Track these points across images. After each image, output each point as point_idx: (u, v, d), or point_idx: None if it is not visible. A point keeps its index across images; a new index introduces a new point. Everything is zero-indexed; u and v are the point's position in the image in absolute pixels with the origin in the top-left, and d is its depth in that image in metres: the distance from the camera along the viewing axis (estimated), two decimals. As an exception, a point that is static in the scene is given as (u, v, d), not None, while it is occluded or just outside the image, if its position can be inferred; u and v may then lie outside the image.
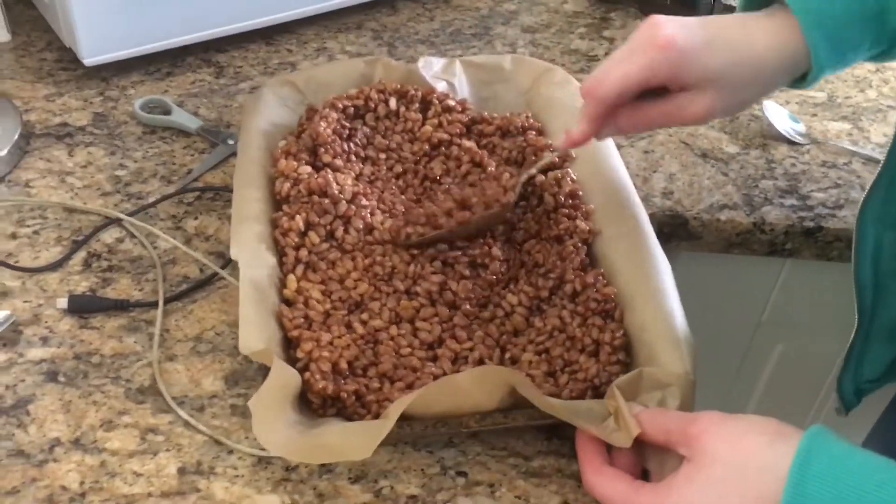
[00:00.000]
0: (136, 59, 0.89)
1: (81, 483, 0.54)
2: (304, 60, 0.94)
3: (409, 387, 0.56)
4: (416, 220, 0.65)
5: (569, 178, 0.69)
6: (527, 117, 0.75)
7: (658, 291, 0.59)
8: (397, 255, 0.64)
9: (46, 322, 0.63)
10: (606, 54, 0.97)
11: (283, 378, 0.53)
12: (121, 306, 0.65)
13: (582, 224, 0.65)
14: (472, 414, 0.54)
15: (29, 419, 0.57)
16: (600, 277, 0.62)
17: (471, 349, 0.59)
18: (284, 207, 0.65)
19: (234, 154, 0.80)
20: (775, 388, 0.96)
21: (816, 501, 0.43)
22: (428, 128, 0.73)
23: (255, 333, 0.55)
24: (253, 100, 0.75)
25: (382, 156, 0.73)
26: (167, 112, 0.84)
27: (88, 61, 0.86)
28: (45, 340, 0.62)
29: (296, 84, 0.77)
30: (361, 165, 0.71)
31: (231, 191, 0.74)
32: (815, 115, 0.90)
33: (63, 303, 0.64)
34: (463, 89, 0.79)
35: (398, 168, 0.72)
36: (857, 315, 0.68)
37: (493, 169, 0.70)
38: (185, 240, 0.71)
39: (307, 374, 0.55)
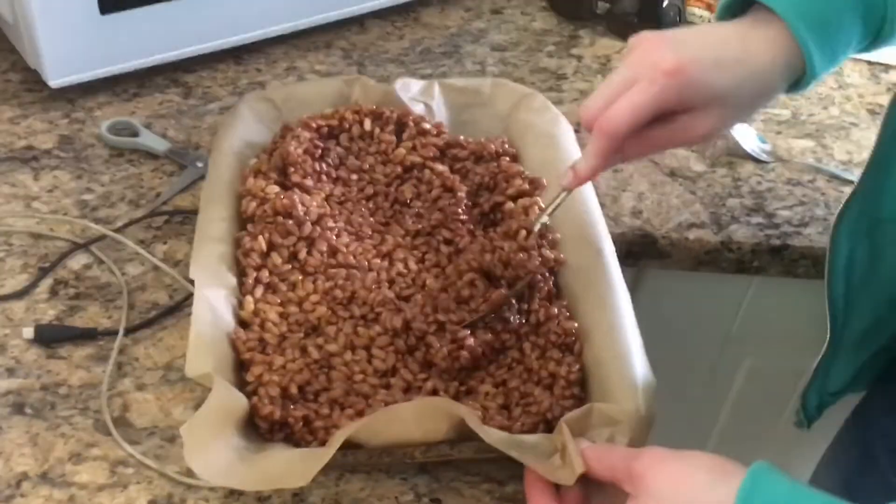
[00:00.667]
0: (103, 80, 0.88)
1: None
2: (273, 80, 0.94)
3: (360, 414, 0.56)
4: (448, 307, 0.62)
5: (536, 207, 0.69)
6: (502, 143, 0.75)
7: (616, 327, 0.59)
8: (360, 280, 0.63)
9: (12, 352, 0.63)
10: (576, 72, 0.98)
11: (225, 402, 0.53)
12: (88, 335, 0.64)
13: (548, 253, 0.65)
14: (418, 444, 0.54)
15: (-5, 453, 0.56)
16: (564, 310, 0.62)
17: (425, 379, 0.59)
18: (249, 227, 0.65)
19: (203, 177, 0.79)
20: (744, 402, 0.97)
21: None
22: (401, 150, 0.73)
23: (203, 356, 0.55)
24: (229, 116, 0.75)
25: (354, 177, 0.72)
26: (135, 134, 0.83)
27: (54, 83, 0.85)
28: (10, 371, 0.61)
29: (273, 101, 0.77)
30: (332, 186, 0.71)
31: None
32: (779, 132, 0.91)
33: (29, 332, 0.63)
34: (441, 112, 0.79)
35: (369, 190, 0.72)
36: (828, 327, 0.69)
37: (462, 194, 0.71)
38: (154, 265, 0.70)
39: (255, 399, 0.55)
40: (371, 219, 0.70)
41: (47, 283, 0.68)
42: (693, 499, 0.46)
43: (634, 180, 0.83)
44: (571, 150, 0.73)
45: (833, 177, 0.85)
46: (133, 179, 0.79)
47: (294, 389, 0.56)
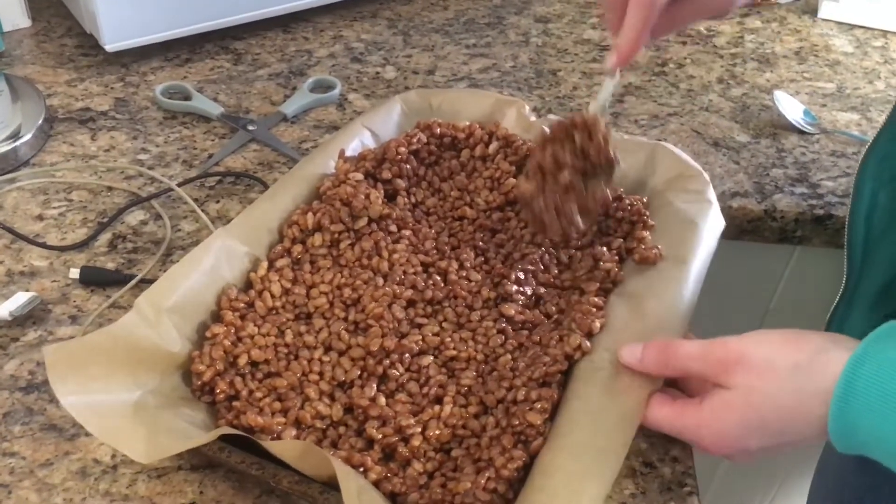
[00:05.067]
0: (156, 45, 0.90)
1: (113, 456, 0.55)
2: (320, 48, 0.95)
3: (285, 413, 0.54)
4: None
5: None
6: (638, 202, 0.66)
7: (594, 463, 0.49)
8: (374, 288, 0.61)
9: (74, 301, 0.65)
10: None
11: (121, 334, 0.53)
12: (125, 280, 0.66)
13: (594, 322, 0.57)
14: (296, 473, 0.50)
15: (60, 394, 0.59)
16: (545, 401, 0.53)
17: (368, 405, 0.54)
18: (314, 203, 0.66)
19: (253, 139, 0.81)
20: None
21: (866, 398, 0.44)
22: (512, 180, 0.69)
23: (166, 290, 0.56)
24: (379, 105, 0.75)
25: (455, 193, 0.70)
26: (187, 98, 0.85)
27: (109, 47, 0.87)
28: (73, 319, 0.64)
29: (430, 102, 0.76)
30: (429, 195, 0.70)
31: (251, 176, 0.76)
32: (824, 105, 0.91)
33: (75, 273, 0.65)
34: None
35: (465, 211, 0.69)
36: (844, 277, 0.68)
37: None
38: (206, 223, 0.72)
39: (195, 352, 0.56)
40: (448, 238, 0.67)
41: (106, 237, 0.70)
42: (802, 360, 0.46)
43: (680, 148, 0.83)
44: (709, 242, 0.63)
45: (878, 149, 0.85)
46: (186, 141, 0.81)
47: (244, 361, 0.56)
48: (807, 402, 0.46)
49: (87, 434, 0.56)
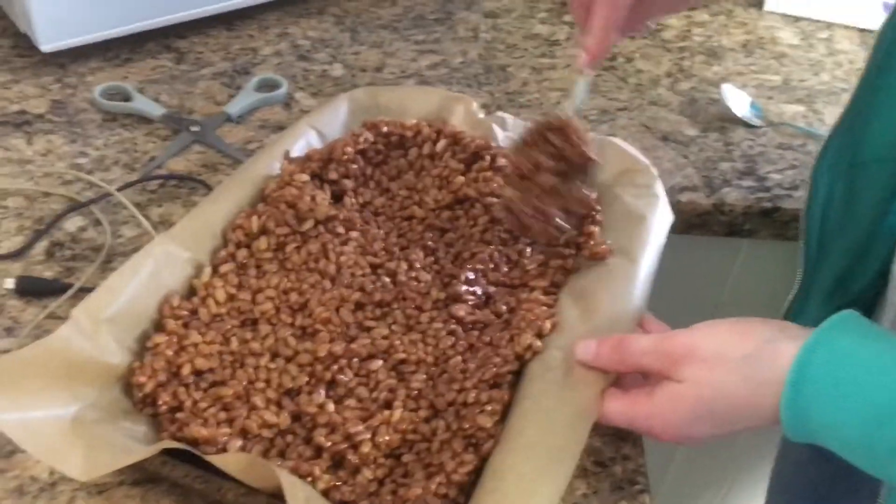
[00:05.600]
0: (95, 45, 0.88)
1: (51, 473, 0.53)
2: (265, 46, 0.93)
3: (230, 423, 0.52)
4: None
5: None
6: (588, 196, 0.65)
7: (546, 463, 0.49)
8: (321, 292, 0.60)
9: (10, 312, 0.63)
10: (568, 38, 0.98)
11: (55, 347, 0.51)
12: (63, 289, 0.64)
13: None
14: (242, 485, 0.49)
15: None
16: (496, 403, 0.53)
17: (317, 412, 0.53)
18: (259, 206, 0.64)
19: (197, 141, 0.79)
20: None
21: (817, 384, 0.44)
22: (460, 178, 0.68)
23: (105, 300, 0.55)
24: (325, 103, 0.74)
25: (404, 192, 0.69)
26: (128, 99, 0.83)
27: (45, 48, 0.84)
28: (9, 331, 0.62)
29: (378, 101, 0.74)
30: (376, 195, 0.69)
31: (195, 179, 0.74)
32: (770, 97, 0.92)
33: (10, 283, 0.63)
34: None
35: (414, 210, 0.68)
36: (800, 270, 0.69)
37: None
38: (147, 229, 0.70)
39: (136, 363, 0.54)
40: (396, 239, 0.66)
41: (43, 244, 0.68)
42: (751, 351, 0.46)
43: (629, 142, 0.83)
44: (658, 237, 0.64)
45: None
46: (127, 143, 0.79)
47: (188, 371, 0.55)
48: (757, 392, 0.47)
49: (24, 451, 0.54)
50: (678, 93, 0.91)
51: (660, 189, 0.66)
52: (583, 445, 0.50)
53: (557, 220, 0.61)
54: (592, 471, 0.55)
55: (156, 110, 0.82)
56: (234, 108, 0.83)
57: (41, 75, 0.86)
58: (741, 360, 0.47)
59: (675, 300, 0.89)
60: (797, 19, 1.06)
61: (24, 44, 0.89)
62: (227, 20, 0.96)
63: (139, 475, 0.53)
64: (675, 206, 0.78)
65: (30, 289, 0.64)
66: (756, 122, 0.87)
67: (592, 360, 0.53)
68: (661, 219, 0.64)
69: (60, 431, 0.49)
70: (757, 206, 0.78)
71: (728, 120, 0.87)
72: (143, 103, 0.82)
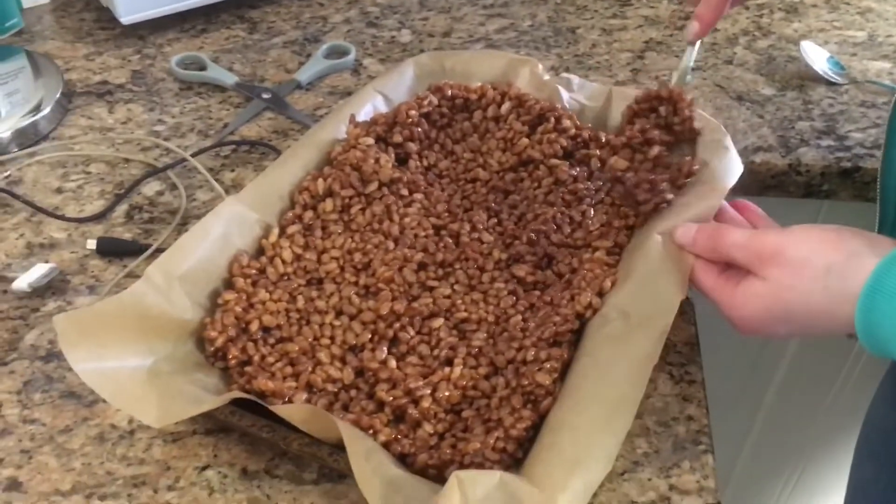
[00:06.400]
0: (172, 17, 0.90)
1: (130, 422, 0.56)
2: (335, 14, 0.94)
3: (296, 378, 0.54)
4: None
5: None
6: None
7: (602, 416, 0.49)
8: (384, 252, 0.61)
9: (92, 272, 0.66)
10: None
11: (128, 305, 0.53)
12: (141, 250, 0.66)
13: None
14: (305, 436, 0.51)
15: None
16: (555, 360, 0.53)
17: (378, 367, 0.55)
18: (325, 169, 0.65)
19: (268, 108, 0.81)
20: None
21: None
22: (524, 141, 0.68)
23: (177, 259, 0.56)
24: (391, 69, 0.74)
25: (468, 155, 0.69)
26: (203, 68, 0.86)
27: (125, 20, 0.87)
28: (91, 289, 0.65)
29: (443, 65, 0.74)
30: (441, 157, 0.69)
31: (265, 144, 0.76)
32: (854, 54, 0.88)
33: (92, 244, 0.66)
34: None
35: (477, 172, 0.68)
36: (876, 230, 0.66)
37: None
38: (221, 192, 0.72)
39: (208, 318, 0.56)
40: (460, 201, 0.66)
41: (123, 208, 0.71)
42: (836, 262, 0.47)
43: (700, 105, 0.81)
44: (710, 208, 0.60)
45: (911, 98, 0.81)
46: (202, 111, 0.81)
47: (256, 327, 0.56)
48: (834, 302, 0.47)
49: (105, 401, 0.57)
50: (755, 51, 0.88)
51: (729, 142, 0.65)
52: (641, 395, 0.49)
53: (664, 190, 0.60)
54: (654, 430, 0.54)
55: (229, 79, 0.84)
56: (304, 75, 0.84)
57: (122, 47, 0.89)
58: (824, 270, 0.47)
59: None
60: (886, -28, 1.00)
61: (105, 17, 0.92)
62: (298, -11, 0.97)
63: (211, 424, 0.55)
64: (749, 167, 0.76)
65: (110, 249, 0.67)
66: (837, 79, 0.84)
67: (690, 244, 0.55)
68: (728, 167, 0.63)
69: (137, 381, 0.52)
70: (836, 165, 0.75)
71: (807, 78, 0.84)
72: (217, 72, 0.85)
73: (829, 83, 0.84)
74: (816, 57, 0.85)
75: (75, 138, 0.78)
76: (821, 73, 0.84)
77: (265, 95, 0.82)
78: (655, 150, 0.63)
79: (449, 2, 0.96)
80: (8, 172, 0.74)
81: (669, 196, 0.60)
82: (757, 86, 0.84)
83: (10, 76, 0.83)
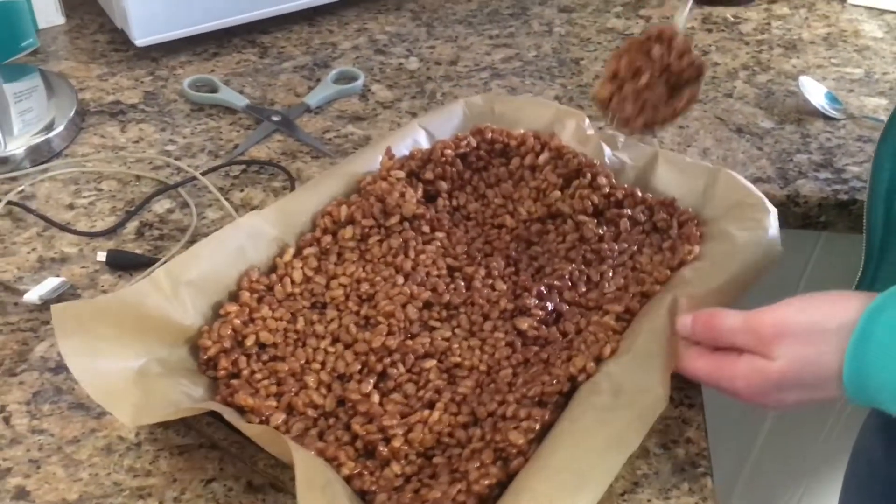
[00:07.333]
0: (184, 40, 0.92)
1: (137, 434, 0.57)
2: (344, 41, 0.97)
3: (279, 397, 0.54)
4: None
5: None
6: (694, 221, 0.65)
7: (568, 487, 0.47)
8: (390, 286, 0.61)
9: (102, 286, 0.67)
10: (643, 33, 0.98)
11: (127, 301, 0.54)
12: (149, 263, 0.68)
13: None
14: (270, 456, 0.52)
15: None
16: (533, 420, 0.51)
17: (359, 400, 0.54)
18: (352, 197, 0.66)
19: (277, 130, 0.83)
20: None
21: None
22: (556, 193, 0.68)
23: (188, 264, 0.57)
24: (441, 107, 0.75)
25: (499, 200, 0.70)
26: (214, 90, 0.87)
27: (139, 42, 0.89)
28: (101, 303, 0.66)
29: (493, 107, 0.75)
30: (471, 199, 0.70)
31: (275, 165, 0.78)
32: (851, 90, 0.90)
33: (102, 256, 0.67)
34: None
35: (505, 219, 0.68)
36: (863, 259, 0.67)
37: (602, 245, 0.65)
38: (230, 211, 0.74)
39: (205, 327, 0.57)
40: (482, 245, 0.66)
41: (134, 224, 0.72)
42: (847, 320, 0.46)
43: (700, 136, 0.83)
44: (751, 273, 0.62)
45: (906, 134, 0.83)
46: (212, 132, 0.83)
47: (251, 342, 0.57)
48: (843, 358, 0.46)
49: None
50: (755, 85, 0.90)
51: (772, 222, 0.64)
52: (613, 475, 0.48)
53: (657, 109, 0.62)
54: (654, 452, 0.55)
55: (240, 101, 0.86)
56: (313, 99, 0.86)
57: (135, 68, 0.91)
58: (836, 330, 0.47)
59: (751, 292, 0.88)
60: (882, 12, 1.03)
61: (119, 39, 0.94)
62: (308, 16, 0.99)
63: (204, 439, 0.56)
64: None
65: (119, 262, 0.68)
66: (835, 114, 0.86)
67: (690, 335, 0.54)
68: (762, 256, 0.62)
69: (123, 379, 0.52)
70: (833, 198, 0.77)
71: (806, 112, 0.86)
72: (228, 94, 0.86)
73: (827, 118, 0.85)
74: (814, 92, 0.87)
75: (88, 156, 0.79)
76: (818, 107, 0.86)
77: (275, 118, 0.83)
78: (644, 77, 0.62)
79: (455, 31, 0.99)
80: (21, 188, 0.75)
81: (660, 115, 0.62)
82: (756, 119, 0.85)
83: (25, 94, 0.84)
